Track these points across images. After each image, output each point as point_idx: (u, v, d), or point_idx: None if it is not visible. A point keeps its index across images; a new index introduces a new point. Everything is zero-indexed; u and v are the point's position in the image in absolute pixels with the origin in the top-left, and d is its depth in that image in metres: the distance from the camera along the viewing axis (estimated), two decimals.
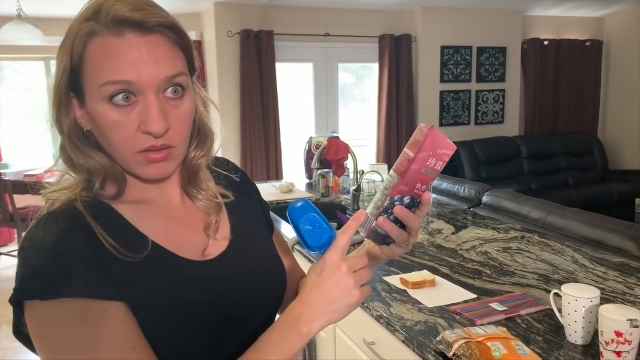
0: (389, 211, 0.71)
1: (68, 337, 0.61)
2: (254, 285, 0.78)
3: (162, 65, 0.66)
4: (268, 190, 3.17)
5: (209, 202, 0.80)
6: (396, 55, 5.22)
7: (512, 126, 5.93)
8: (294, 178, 3.58)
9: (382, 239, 0.74)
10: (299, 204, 0.71)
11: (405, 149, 0.70)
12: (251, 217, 0.88)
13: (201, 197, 0.80)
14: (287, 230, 2.34)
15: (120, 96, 0.65)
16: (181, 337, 0.67)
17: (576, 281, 1.64)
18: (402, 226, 0.73)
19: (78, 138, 0.70)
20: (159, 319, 0.66)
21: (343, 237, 0.69)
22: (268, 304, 0.81)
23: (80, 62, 0.66)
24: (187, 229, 0.77)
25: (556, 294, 1.33)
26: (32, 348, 0.64)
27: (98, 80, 0.65)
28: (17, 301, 0.63)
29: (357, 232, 0.73)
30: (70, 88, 0.68)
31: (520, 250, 1.99)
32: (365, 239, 0.79)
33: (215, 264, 0.76)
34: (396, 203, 0.71)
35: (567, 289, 1.26)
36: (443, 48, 5.42)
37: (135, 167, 0.70)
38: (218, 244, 0.78)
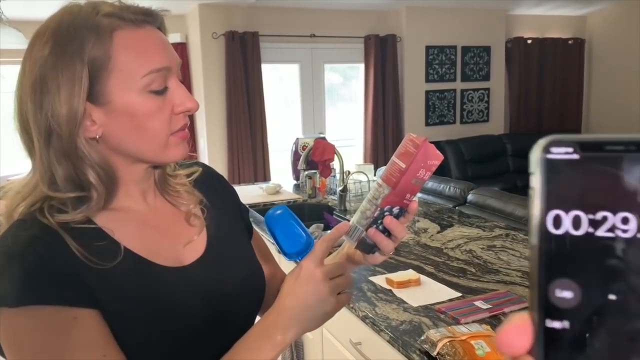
0: (379, 221, 0.72)
1: (38, 344, 0.61)
2: (231, 290, 0.78)
3: (173, 50, 0.72)
4: (254, 192, 3.17)
5: (185, 200, 0.81)
6: (381, 56, 5.24)
7: (497, 124, 5.99)
8: (281, 179, 3.59)
9: (370, 248, 0.75)
10: (278, 212, 0.71)
11: (395, 159, 0.70)
12: (229, 221, 0.87)
13: (177, 196, 0.81)
14: None
15: (160, 82, 0.68)
16: (156, 343, 0.67)
17: None
18: (388, 234, 0.74)
19: (77, 152, 0.68)
20: (134, 326, 0.66)
21: (322, 245, 0.69)
22: (246, 309, 0.81)
23: (104, 61, 0.65)
24: (163, 236, 0.76)
25: None
26: (2, 354, 0.64)
27: (137, 72, 0.66)
28: None
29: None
30: (87, 97, 0.66)
31: (504, 247, 2.01)
32: (345, 243, 0.80)
33: (191, 269, 0.75)
34: (386, 213, 0.71)
35: None
36: (428, 48, 5.45)
37: (168, 151, 0.71)
38: (194, 250, 0.78)
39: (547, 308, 0.24)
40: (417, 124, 5.56)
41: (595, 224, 0.24)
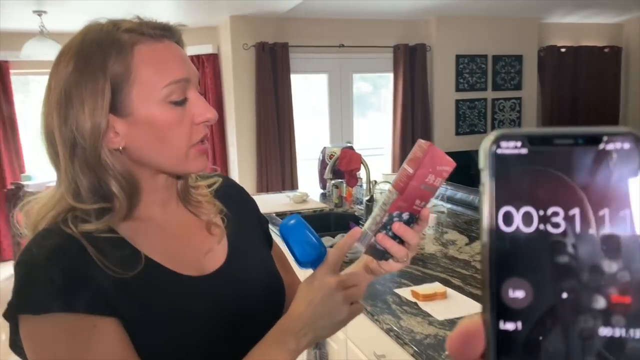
0: (388, 227, 0.72)
1: (59, 350, 0.63)
2: (250, 300, 0.79)
3: (191, 63, 0.74)
4: (281, 201, 3.19)
5: (206, 210, 0.83)
6: (410, 65, 5.22)
7: None
8: (309, 188, 3.60)
9: (381, 254, 0.75)
10: (292, 221, 0.72)
11: (404, 165, 0.71)
12: (249, 232, 0.89)
13: (198, 205, 0.83)
14: None
15: (179, 94, 0.70)
16: (175, 351, 0.68)
17: None
18: (401, 241, 0.73)
19: (100, 164, 0.70)
20: (153, 334, 0.67)
21: (336, 253, 0.69)
22: (264, 319, 0.82)
23: (126, 75, 0.67)
24: (184, 245, 0.78)
25: None
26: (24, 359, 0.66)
27: (158, 83, 0.68)
28: (11, 315, 0.65)
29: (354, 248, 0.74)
30: (110, 109, 0.68)
31: None
32: (363, 254, 0.80)
33: (211, 279, 0.77)
34: (395, 219, 0.71)
35: None
36: (458, 57, 5.41)
37: (188, 163, 0.73)
38: (215, 259, 0.79)
39: (500, 309, 0.23)
40: (447, 133, 5.50)
41: (545, 220, 0.23)
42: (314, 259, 0.71)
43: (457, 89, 5.49)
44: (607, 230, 0.23)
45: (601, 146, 0.23)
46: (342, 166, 2.82)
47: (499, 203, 0.23)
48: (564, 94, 5.94)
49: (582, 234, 0.23)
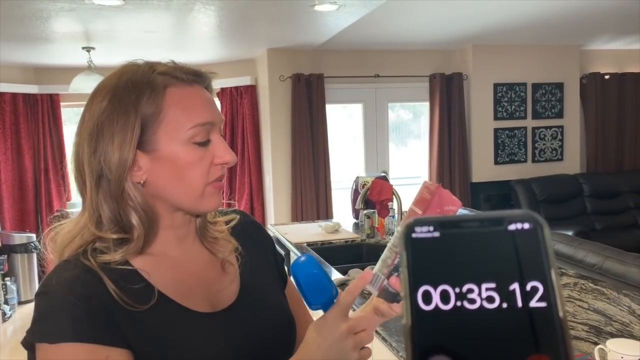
0: (400, 269, 0.70)
1: None
2: (260, 339, 0.79)
3: (217, 108, 0.78)
4: (314, 230, 3.19)
5: (221, 247, 0.84)
6: (447, 94, 5.19)
7: (572, 163, 5.69)
8: (344, 217, 3.59)
9: (393, 297, 0.73)
10: (303, 259, 0.71)
11: (412, 206, 0.71)
12: (262, 270, 0.89)
13: (214, 242, 0.84)
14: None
15: (203, 135, 0.73)
16: None
17: (631, 334, 1.52)
18: None
19: (123, 195, 0.73)
20: None
21: (347, 297, 0.69)
22: (275, 357, 0.81)
23: (156, 114, 0.71)
24: (197, 281, 0.79)
25: (601, 349, 1.24)
26: None
27: (184, 124, 0.72)
28: (29, 343, 0.67)
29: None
30: (137, 145, 0.72)
31: (571, 298, 1.87)
32: (374, 295, 0.78)
33: (221, 316, 0.77)
34: None
35: (612, 345, 1.18)
36: (496, 85, 5.34)
37: (203, 200, 0.75)
38: (227, 297, 0.80)
39: None
40: (486, 162, 5.40)
41: (462, 296, 0.24)
42: (325, 301, 0.70)
43: (496, 118, 5.40)
44: (519, 303, 0.24)
45: (504, 227, 0.25)
46: (373, 196, 2.80)
47: (417, 283, 0.25)
48: (608, 122, 5.74)
49: (497, 308, 0.24)
